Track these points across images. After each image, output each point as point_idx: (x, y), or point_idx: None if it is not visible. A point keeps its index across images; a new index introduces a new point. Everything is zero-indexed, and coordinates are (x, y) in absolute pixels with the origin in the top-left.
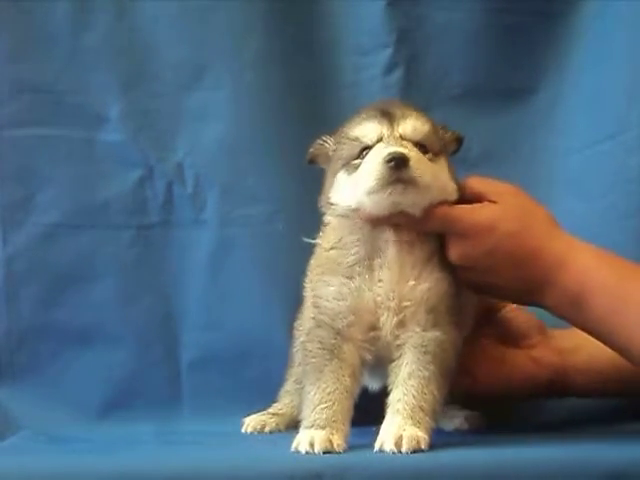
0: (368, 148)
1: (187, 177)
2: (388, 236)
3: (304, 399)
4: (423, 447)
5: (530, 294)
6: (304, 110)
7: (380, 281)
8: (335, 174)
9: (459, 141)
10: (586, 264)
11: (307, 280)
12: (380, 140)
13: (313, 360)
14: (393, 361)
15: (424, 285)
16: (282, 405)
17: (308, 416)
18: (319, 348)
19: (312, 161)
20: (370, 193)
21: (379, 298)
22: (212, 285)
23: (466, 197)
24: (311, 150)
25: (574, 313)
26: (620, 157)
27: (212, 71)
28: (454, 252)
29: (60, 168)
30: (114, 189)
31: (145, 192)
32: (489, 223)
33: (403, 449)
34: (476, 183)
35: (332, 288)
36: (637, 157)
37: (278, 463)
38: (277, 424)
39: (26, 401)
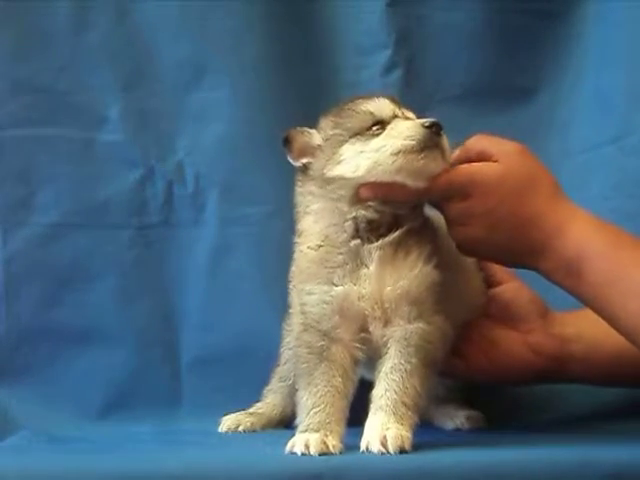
0: (380, 123)
1: (187, 177)
2: (371, 248)
3: (298, 404)
4: (407, 448)
5: (525, 257)
6: (304, 110)
7: (363, 297)
8: (338, 146)
9: None
10: (584, 232)
11: (291, 286)
12: (396, 116)
13: (303, 365)
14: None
15: (403, 282)
16: (262, 404)
17: (302, 421)
18: (308, 352)
19: (288, 141)
20: (403, 153)
21: (366, 312)
22: (212, 285)
23: (470, 157)
24: (291, 131)
25: (569, 280)
26: (622, 159)
27: (212, 71)
28: (453, 209)
29: (60, 168)
30: (114, 189)
31: (145, 192)
32: (492, 182)
33: (390, 450)
34: (481, 141)
35: (315, 296)
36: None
37: (278, 463)
38: (252, 424)
39: (26, 401)
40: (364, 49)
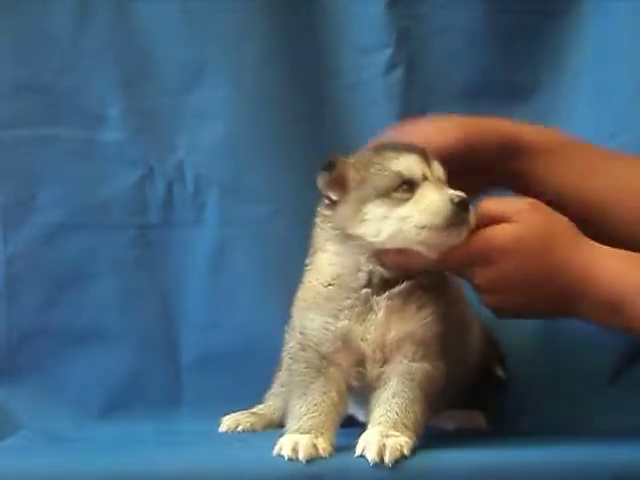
0: (409, 184)
1: (187, 177)
2: (381, 299)
3: (289, 414)
4: (406, 452)
5: (562, 308)
6: (304, 110)
7: (367, 340)
8: (363, 202)
9: None
10: (614, 269)
11: (294, 308)
12: (426, 178)
13: (299, 378)
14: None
15: (408, 326)
16: (263, 406)
17: (293, 425)
18: (305, 367)
19: (331, 167)
20: (429, 228)
21: (366, 353)
22: (212, 285)
23: (485, 222)
24: (337, 158)
25: (612, 318)
26: None
27: (212, 70)
28: (477, 277)
29: (60, 168)
30: (114, 189)
31: (145, 192)
32: (509, 245)
33: (386, 459)
34: (491, 206)
35: (317, 323)
36: None
37: (279, 464)
38: (252, 424)
39: (26, 401)
40: (365, 48)
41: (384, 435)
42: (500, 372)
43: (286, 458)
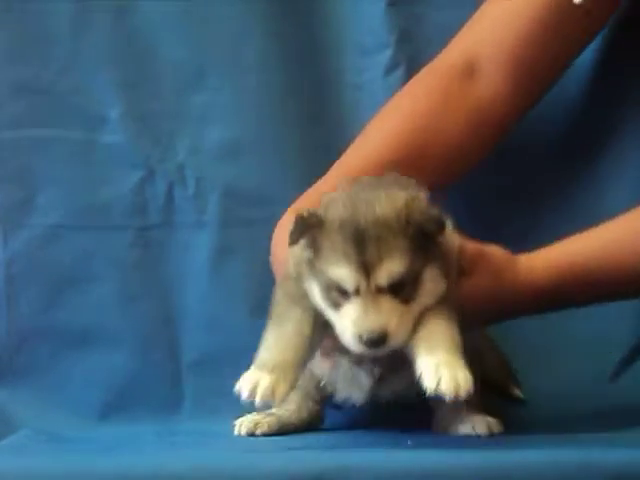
0: (343, 291)
1: (188, 179)
2: None
3: (261, 342)
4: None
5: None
6: (306, 111)
7: None
8: (312, 275)
9: (437, 225)
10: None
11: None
12: (357, 292)
13: (277, 308)
14: None
15: None
16: (276, 409)
17: (260, 359)
18: (283, 295)
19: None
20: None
21: None
22: (213, 287)
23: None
24: (313, 223)
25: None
26: None
27: (213, 72)
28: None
29: (60, 169)
30: (115, 190)
31: (146, 194)
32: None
33: (461, 393)
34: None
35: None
36: None
37: (278, 464)
38: (269, 426)
39: (26, 402)
40: (366, 49)
41: (452, 367)
42: (517, 391)
43: (243, 398)
